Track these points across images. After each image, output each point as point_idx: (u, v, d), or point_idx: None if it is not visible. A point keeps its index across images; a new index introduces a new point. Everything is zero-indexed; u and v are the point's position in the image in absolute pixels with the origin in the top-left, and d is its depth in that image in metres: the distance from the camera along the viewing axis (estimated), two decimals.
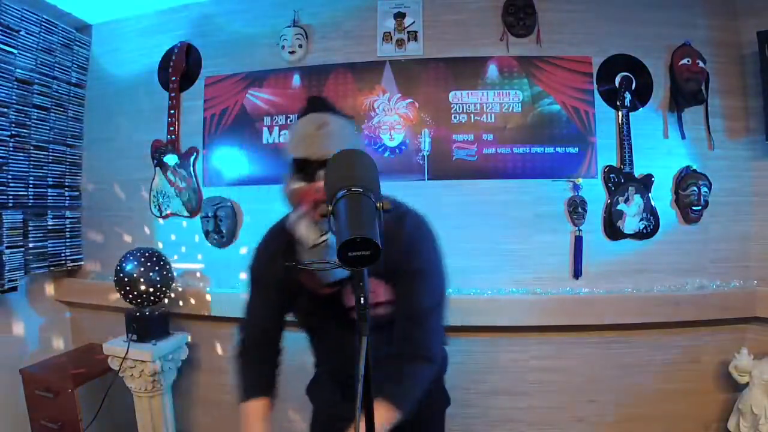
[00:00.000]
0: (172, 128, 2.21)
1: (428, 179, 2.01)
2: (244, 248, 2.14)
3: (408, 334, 1.00)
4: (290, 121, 2.11)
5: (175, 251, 2.21)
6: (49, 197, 2.19)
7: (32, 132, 2.09)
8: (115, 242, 2.30)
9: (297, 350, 1.31)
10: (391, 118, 2.04)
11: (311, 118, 0.98)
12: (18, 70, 2.00)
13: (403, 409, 0.94)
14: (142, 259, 1.90)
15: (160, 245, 2.22)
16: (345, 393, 1.13)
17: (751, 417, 1.72)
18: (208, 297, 2.10)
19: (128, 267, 1.88)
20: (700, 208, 1.91)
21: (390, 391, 0.94)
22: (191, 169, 2.19)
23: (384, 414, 0.91)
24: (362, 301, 0.63)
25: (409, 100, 2.04)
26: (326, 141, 0.93)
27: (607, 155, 1.96)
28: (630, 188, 1.93)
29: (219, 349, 2.20)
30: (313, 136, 0.94)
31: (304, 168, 0.94)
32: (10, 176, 1.98)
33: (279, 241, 1.08)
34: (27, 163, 2.07)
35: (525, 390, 1.99)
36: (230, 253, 2.16)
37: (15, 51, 1.97)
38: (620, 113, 1.95)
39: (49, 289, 2.34)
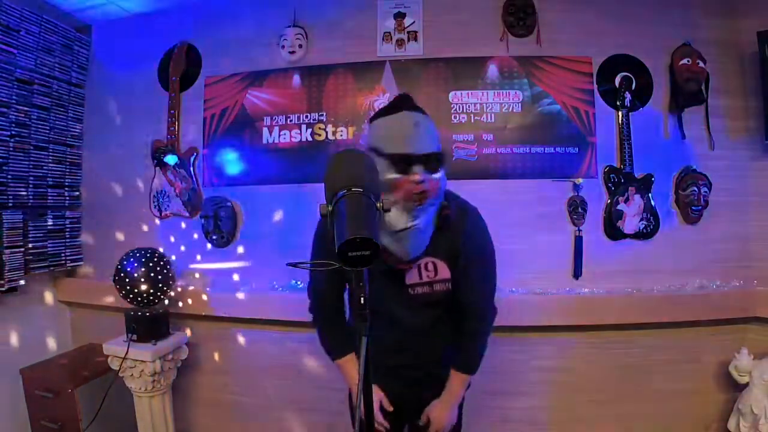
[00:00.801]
0: (172, 128, 2.21)
1: None
2: (236, 252, 2.15)
3: (482, 305, 1.23)
4: (290, 121, 2.11)
5: (175, 251, 2.21)
6: (49, 197, 2.19)
7: (32, 132, 2.09)
8: (115, 242, 2.30)
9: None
10: None
11: (407, 117, 1.09)
12: (18, 70, 2.00)
13: (476, 371, 1.24)
14: (143, 259, 1.90)
15: (160, 245, 2.22)
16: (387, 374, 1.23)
17: (751, 417, 1.72)
18: (208, 297, 2.10)
19: (128, 267, 1.88)
20: (700, 208, 1.91)
21: (465, 362, 1.24)
22: (191, 169, 2.19)
23: (460, 381, 1.23)
24: (362, 302, 0.63)
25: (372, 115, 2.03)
26: (423, 138, 1.08)
27: (607, 155, 1.96)
28: (630, 188, 1.93)
29: (219, 349, 2.20)
30: (412, 134, 1.07)
31: (402, 162, 1.05)
32: (10, 176, 1.98)
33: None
34: (27, 163, 2.07)
35: (525, 390, 1.99)
36: (230, 253, 2.16)
37: (15, 51, 1.97)
38: (620, 113, 1.95)
39: (49, 289, 2.34)
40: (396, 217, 1.06)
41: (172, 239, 2.24)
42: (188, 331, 2.14)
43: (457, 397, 1.27)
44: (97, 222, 2.36)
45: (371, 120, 1.17)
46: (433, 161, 1.08)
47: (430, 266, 1.16)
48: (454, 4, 2.03)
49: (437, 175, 1.09)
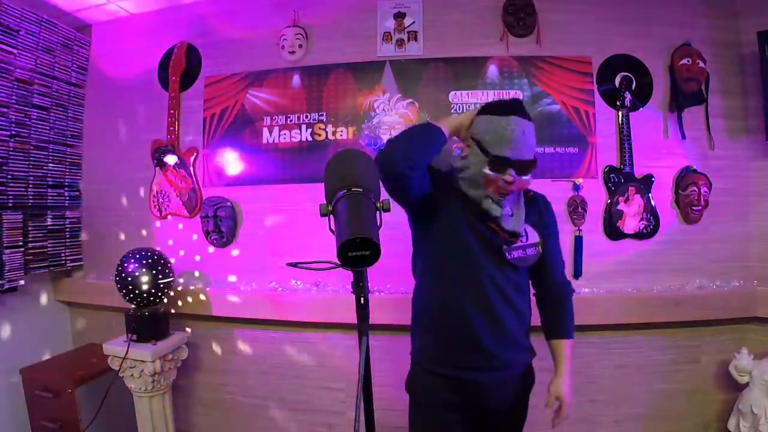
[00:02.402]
0: (172, 128, 2.21)
1: None
2: (236, 252, 2.15)
3: (564, 278, 1.36)
4: (290, 121, 2.11)
5: (174, 251, 2.21)
6: (49, 197, 2.19)
7: (32, 132, 2.09)
8: (115, 242, 2.30)
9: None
10: (392, 118, 2.04)
11: (516, 123, 1.17)
12: (18, 70, 2.00)
13: (573, 335, 1.31)
14: (143, 260, 1.90)
15: (160, 245, 2.22)
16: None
17: (751, 417, 1.72)
18: (209, 297, 2.10)
19: (129, 267, 1.88)
20: (700, 208, 1.91)
21: (565, 328, 1.31)
22: (191, 169, 2.19)
23: (568, 347, 1.29)
24: (362, 302, 0.63)
25: (409, 100, 2.04)
26: (524, 147, 1.17)
27: (607, 155, 1.96)
28: (630, 188, 1.93)
29: (219, 349, 2.20)
30: (517, 141, 1.15)
31: (500, 164, 1.16)
32: (10, 176, 1.98)
33: (444, 179, 1.27)
34: (27, 163, 2.07)
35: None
36: (230, 253, 2.16)
37: (15, 51, 1.97)
38: (620, 113, 1.95)
39: (49, 289, 2.34)
40: (489, 207, 1.20)
41: (172, 239, 2.24)
42: (188, 331, 2.14)
43: (569, 365, 1.29)
44: (97, 222, 2.36)
45: (481, 111, 1.23)
46: (526, 167, 1.18)
47: (524, 232, 1.25)
48: (454, 4, 2.03)
49: (527, 177, 1.19)
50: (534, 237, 1.28)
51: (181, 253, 2.22)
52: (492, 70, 2.01)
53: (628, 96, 1.94)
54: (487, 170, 1.17)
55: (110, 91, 2.35)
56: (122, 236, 2.31)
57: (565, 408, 1.25)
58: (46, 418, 1.96)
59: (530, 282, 1.36)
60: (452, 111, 2.01)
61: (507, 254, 1.23)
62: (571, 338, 1.31)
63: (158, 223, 2.25)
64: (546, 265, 1.32)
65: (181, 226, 2.23)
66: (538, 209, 1.32)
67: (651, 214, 1.93)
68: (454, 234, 1.22)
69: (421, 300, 1.31)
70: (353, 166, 0.71)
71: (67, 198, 2.29)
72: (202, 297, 2.11)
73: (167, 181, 2.21)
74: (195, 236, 2.20)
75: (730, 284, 1.91)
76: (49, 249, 2.18)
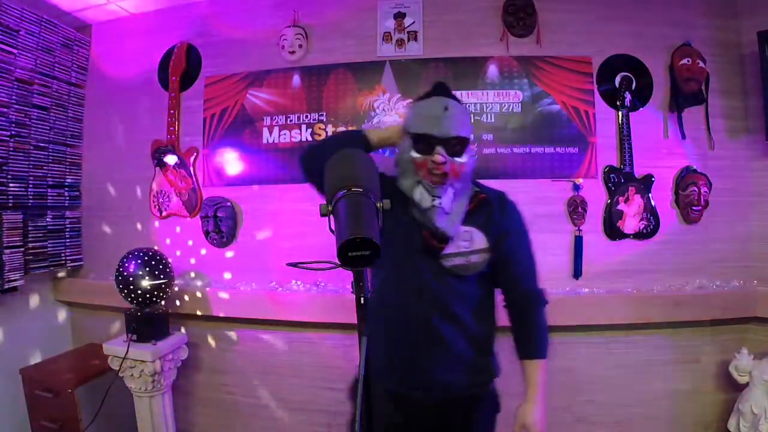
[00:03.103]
0: (172, 128, 2.21)
1: None
2: (236, 252, 2.15)
3: (532, 286, 1.22)
4: (290, 121, 2.11)
5: (174, 251, 2.21)
6: (49, 197, 2.19)
7: (32, 132, 2.09)
8: (115, 242, 2.30)
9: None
10: (391, 118, 2.04)
11: (438, 101, 1.12)
12: (18, 70, 2.00)
13: (547, 354, 1.19)
14: (143, 259, 1.90)
15: (160, 245, 2.22)
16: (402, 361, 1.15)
17: (751, 417, 1.72)
18: (208, 297, 2.10)
19: (129, 267, 1.88)
20: (700, 208, 1.91)
21: (534, 347, 1.19)
22: (191, 169, 2.19)
23: (540, 369, 1.17)
24: (362, 302, 0.63)
25: (410, 100, 2.04)
26: (449, 122, 1.09)
27: (607, 155, 1.96)
28: (630, 188, 1.93)
29: (218, 349, 2.20)
30: (439, 117, 1.09)
31: (423, 142, 1.09)
32: (10, 176, 1.98)
33: (388, 183, 1.16)
34: (27, 163, 2.07)
35: (525, 390, 1.98)
36: (230, 253, 2.16)
37: (15, 51, 1.97)
38: (620, 113, 1.95)
39: (49, 289, 2.34)
40: (420, 196, 1.10)
41: (172, 239, 2.24)
42: (187, 331, 2.14)
43: (542, 389, 1.16)
44: (97, 222, 2.36)
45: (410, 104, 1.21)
46: (455, 145, 1.10)
47: (467, 236, 1.14)
48: (454, 4, 2.03)
49: (461, 159, 1.10)
50: (480, 242, 1.14)
51: (181, 253, 2.22)
52: (492, 70, 2.01)
53: (628, 96, 1.94)
54: (413, 153, 1.11)
55: (110, 91, 2.35)
56: (122, 236, 2.31)
57: None
58: (46, 418, 1.96)
59: (493, 291, 1.23)
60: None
61: (446, 261, 1.12)
62: (543, 358, 1.18)
63: (158, 223, 2.25)
64: (508, 272, 1.20)
65: (180, 228, 2.23)
66: (489, 212, 1.18)
67: (651, 214, 1.93)
68: (392, 238, 1.07)
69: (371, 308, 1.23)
70: (353, 166, 0.71)
71: (67, 198, 2.29)
72: (202, 297, 2.11)
73: (167, 181, 2.21)
74: (195, 236, 2.20)
75: (730, 284, 1.91)
76: (49, 249, 2.18)
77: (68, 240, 2.28)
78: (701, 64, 1.88)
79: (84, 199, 2.38)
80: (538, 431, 1.13)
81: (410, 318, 1.12)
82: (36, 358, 2.16)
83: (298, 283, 2.05)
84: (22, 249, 2.03)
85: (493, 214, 1.18)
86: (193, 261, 2.21)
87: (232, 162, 2.16)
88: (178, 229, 2.23)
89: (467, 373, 1.15)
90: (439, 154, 1.07)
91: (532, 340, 1.20)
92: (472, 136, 1.15)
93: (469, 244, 1.13)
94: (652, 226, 1.94)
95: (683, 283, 1.93)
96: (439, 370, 1.12)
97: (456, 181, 1.12)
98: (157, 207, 2.24)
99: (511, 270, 1.20)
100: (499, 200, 1.22)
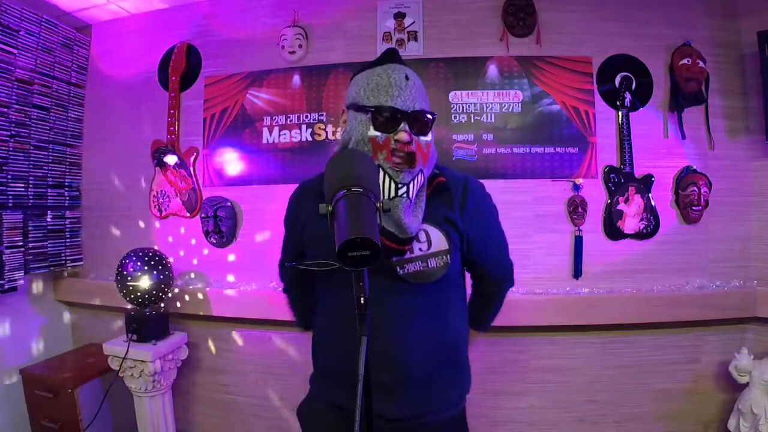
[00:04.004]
0: (172, 128, 2.21)
1: None
2: (236, 252, 2.14)
3: (501, 273, 1.18)
4: (290, 121, 2.11)
5: (174, 251, 2.21)
6: (49, 197, 2.19)
7: (32, 132, 2.09)
8: (115, 242, 2.30)
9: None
10: None
11: (397, 69, 0.94)
12: (18, 70, 2.00)
13: (488, 329, 1.26)
14: (143, 260, 1.90)
15: (160, 245, 2.22)
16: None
17: (751, 417, 1.72)
18: (208, 297, 2.10)
19: (129, 267, 1.88)
20: (700, 208, 1.91)
21: (487, 323, 1.24)
22: (191, 169, 2.19)
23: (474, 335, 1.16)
24: (362, 301, 0.63)
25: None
26: (413, 93, 0.92)
27: (607, 155, 1.96)
28: (630, 188, 1.93)
29: (218, 349, 2.20)
30: (401, 86, 0.91)
31: (386, 117, 0.89)
32: (10, 176, 1.98)
33: (314, 198, 1.05)
34: (27, 163, 2.07)
35: (525, 390, 1.99)
36: (230, 253, 2.16)
37: (15, 51, 1.97)
38: (620, 113, 1.95)
39: (49, 289, 2.34)
40: (385, 186, 0.90)
41: (172, 239, 2.24)
42: (188, 331, 2.14)
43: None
44: (97, 222, 2.36)
45: (352, 78, 1.00)
46: (422, 121, 0.92)
47: (423, 236, 0.94)
48: (454, 4, 2.03)
49: (427, 138, 0.93)
50: (439, 242, 0.95)
51: (181, 253, 2.22)
52: (492, 70, 2.01)
53: (628, 96, 1.95)
54: (371, 131, 0.90)
55: (110, 91, 2.35)
56: (122, 236, 2.31)
57: None
58: (46, 418, 1.96)
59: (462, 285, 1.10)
60: (452, 111, 2.01)
61: (398, 269, 0.93)
62: (485, 332, 1.26)
63: (158, 223, 2.25)
64: (477, 263, 1.08)
65: (181, 227, 2.23)
66: (448, 197, 0.99)
67: (651, 214, 1.93)
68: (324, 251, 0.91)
69: (317, 316, 1.13)
70: (353, 166, 0.71)
71: (67, 198, 2.29)
72: (202, 297, 2.11)
73: (167, 181, 2.21)
74: (195, 236, 2.20)
75: (730, 284, 1.91)
76: (49, 249, 2.18)
77: (68, 240, 2.28)
78: (701, 64, 1.88)
79: (84, 199, 2.38)
80: None
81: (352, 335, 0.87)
82: (36, 359, 2.16)
83: None
84: (23, 249, 2.03)
85: (454, 202, 0.99)
86: (193, 261, 2.21)
87: (232, 162, 2.17)
88: (182, 225, 2.22)
89: (437, 393, 0.99)
90: (404, 131, 0.89)
91: (486, 317, 1.24)
92: (435, 115, 0.95)
93: (427, 245, 0.94)
94: (652, 226, 1.94)
95: (683, 283, 1.93)
96: (403, 390, 0.96)
97: (425, 166, 0.94)
98: (157, 207, 2.24)
99: (482, 261, 1.09)
100: (461, 183, 1.02)
